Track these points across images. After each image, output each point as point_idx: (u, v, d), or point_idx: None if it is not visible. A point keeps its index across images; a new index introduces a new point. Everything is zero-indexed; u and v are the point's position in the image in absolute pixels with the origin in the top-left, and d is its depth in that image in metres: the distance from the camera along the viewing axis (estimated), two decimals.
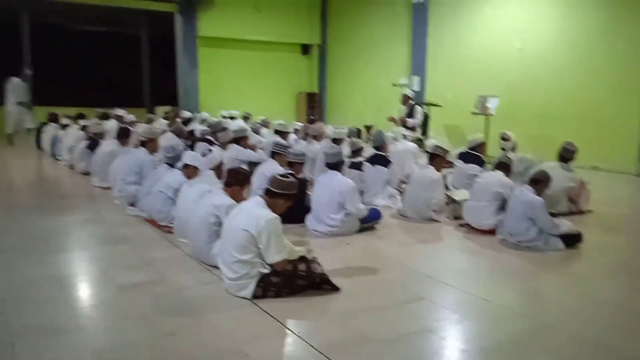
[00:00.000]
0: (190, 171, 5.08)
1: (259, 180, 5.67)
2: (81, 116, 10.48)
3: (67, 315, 3.31)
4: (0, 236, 4.98)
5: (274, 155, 5.87)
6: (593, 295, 3.84)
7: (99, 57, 17.25)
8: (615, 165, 9.15)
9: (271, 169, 5.53)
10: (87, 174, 7.98)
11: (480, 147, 6.93)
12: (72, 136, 9.08)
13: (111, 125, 9.37)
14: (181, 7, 13.72)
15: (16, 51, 14.84)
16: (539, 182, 4.87)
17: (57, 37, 16.21)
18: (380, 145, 6.78)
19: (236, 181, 4.21)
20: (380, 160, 6.62)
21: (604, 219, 6.06)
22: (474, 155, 6.81)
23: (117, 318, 3.32)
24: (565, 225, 4.89)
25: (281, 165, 5.66)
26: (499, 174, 5.41)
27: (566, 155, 6.24)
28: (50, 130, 10.51)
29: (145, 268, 4.18)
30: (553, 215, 4.95)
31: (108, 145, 7.48)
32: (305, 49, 16.68)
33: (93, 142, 7.99)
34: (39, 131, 11.30)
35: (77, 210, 6.16)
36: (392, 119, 10.03)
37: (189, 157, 5.22)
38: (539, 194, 4.81)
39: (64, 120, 10.23)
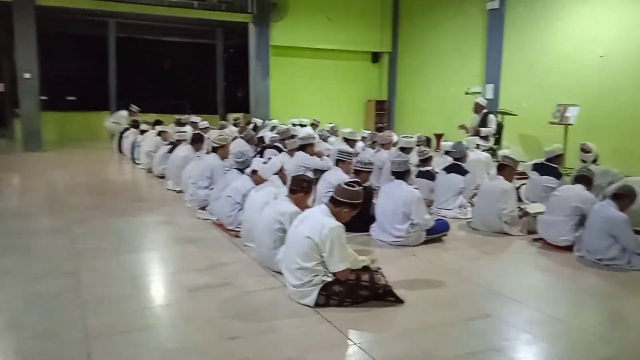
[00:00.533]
0: (258, 177, 5.16)
1: (323, 187, 5.68)
2: (158, 122, 10.95)
3: (139, 314, 3.45)
4: (84, 237, 5.27)
5: (338, 162, 5.87)
6: None
7: (177, 66, 18.11)
8: None
9: (336, 176, 5.54)
10: (163, 177, 8.35)
11: (557, 158, 6.58)
12: (150, 141, 9.52)
13: (186, 131, 9.74)
14: (255, 17, 14.08)
15: (103, 61, 15.85)
16: (623, 197, 4.55)
17: (139, 48, 17.16)
18: (460, 156, 6.61)
19: (300, 188, 4.23)
20: (457, 169, 6.45)
21: None
22: (550, 167, 6.48)
23: (184, 319, 3.42)
24: None
25: (345, 172, 5.65)
26: (579, 188, 5.10)
27: None
28: (131, 135, 11.09)
29: (212, 271, 4.28)
30: (638, 233, 4.61)
31: (182, 150, 7.76)
32: (376, 56, 16.62)
33: (173, 148, 8.32)
34: (120, 136, 11.95)
35: (152, 212, 6.43)
36: (463, 127, 9.77)
37: (257, 163, 5.31)
38: (622, 210, 4.50)
39: (143, 126, 10.75)
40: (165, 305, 3.72)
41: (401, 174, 5.24)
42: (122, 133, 11.94)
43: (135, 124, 11.39)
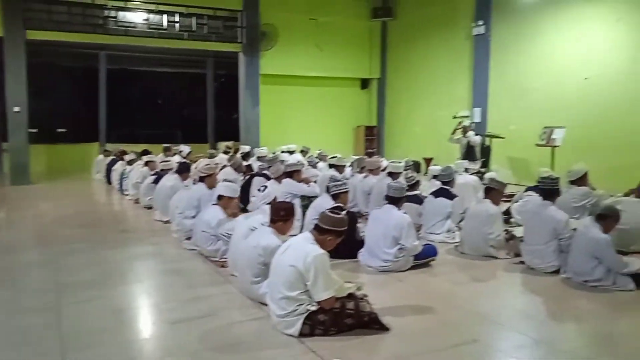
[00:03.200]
0: (225, 202, 5.22)
1: (312, 214, 5.66)
2: (145, 152, 10.86)
3: (122, 347, 3.39)
4: (70, 269, 5.20)
5: (329, 189, 5.86)
6: None
7: (168, 96, 18.23)
8: None
9: (327, 205, 5.52)
10: (150, 207, 8.29)
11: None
12: (137, 172, 9.48)
13: (170, 160, 9.70)
14: (245, 47, 14.23)
15: (94, 92, 15.91)
16: (607, 217, 4.57)
17: (130, 79, 17.28)
18: (448, 180, 6.64)
19: (278, 217, 4.20)
20: (445, 193, 6.47)
21: None
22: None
23: (167, 352, 3.36)
24: (637, 263, 4.53)
25: (343, 204, 5.61)
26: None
27: None
28: (119, 166, 11.03)
29: (196, 302, 4.23)
30: (623, 253, 4.62)
31: (169, 180, 7.72)
32: (365, 83, 16.81)
33: (159, 178, 8.26)
34: (109, 167, 11.89)
35: (139, 243, 6.37)
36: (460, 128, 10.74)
37: (221, 188, 5.39)
38: (606, 231, 4.51)
39: (130, 156, 10.70)
40: (147, 338, 3.66)
41: (396, 200, 5.23)
42: (110, 165, 11.89)
43: (122, 155, 11.33)
